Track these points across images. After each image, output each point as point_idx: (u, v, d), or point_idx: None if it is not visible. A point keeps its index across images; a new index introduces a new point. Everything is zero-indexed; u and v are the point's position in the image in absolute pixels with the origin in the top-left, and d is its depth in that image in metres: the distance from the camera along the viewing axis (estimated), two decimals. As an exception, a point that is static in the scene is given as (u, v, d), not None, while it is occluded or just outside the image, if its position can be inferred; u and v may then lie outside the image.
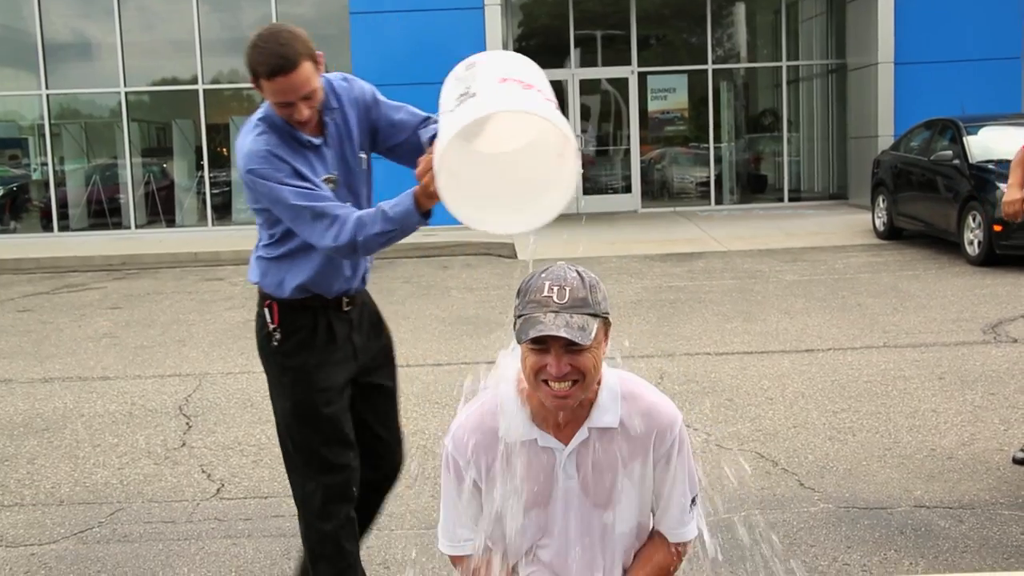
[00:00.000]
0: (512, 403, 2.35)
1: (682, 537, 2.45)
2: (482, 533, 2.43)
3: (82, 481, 5.42)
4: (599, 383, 2.33)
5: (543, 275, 2.23)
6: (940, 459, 5.23)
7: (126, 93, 18.01)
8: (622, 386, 2.37)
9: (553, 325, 2.15)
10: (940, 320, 8.55)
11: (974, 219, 11.34)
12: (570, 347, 2.19)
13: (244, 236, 16.64)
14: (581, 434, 2.32)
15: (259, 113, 3.07)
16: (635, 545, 2.44)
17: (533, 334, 2.16)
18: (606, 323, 2.27)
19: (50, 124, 18.13)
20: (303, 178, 2.97)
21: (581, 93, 18.93)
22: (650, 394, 2.40)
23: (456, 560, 2.48)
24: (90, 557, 4.42)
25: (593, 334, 2.19)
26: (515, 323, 2.23)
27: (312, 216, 2.90)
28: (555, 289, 2.19)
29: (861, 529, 4.39)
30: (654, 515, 2.44)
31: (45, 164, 18.33)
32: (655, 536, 2.46)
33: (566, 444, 2.33)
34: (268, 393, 3.40)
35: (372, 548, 4.40)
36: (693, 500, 2.45)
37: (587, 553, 2.39)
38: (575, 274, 2.23)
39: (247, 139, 3.01)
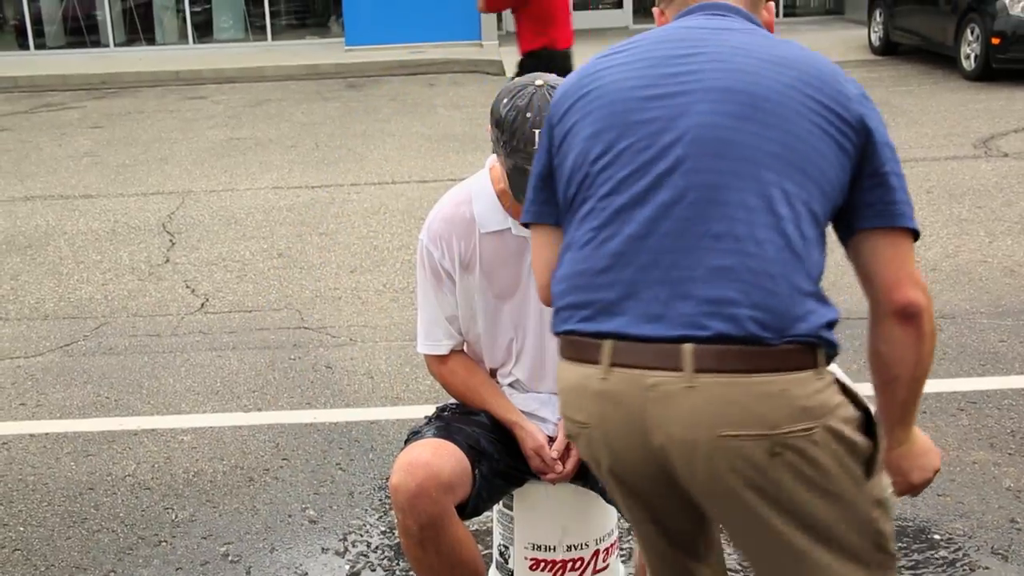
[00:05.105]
0: (485, 192, 2.29)
1: None
2: (457, 334, 2.42)
3: (66, 296, 5.41)
4: None
5: (528, 118, 2.06)
6: (924, 270, 5.24)
7: (97, -98, 17.19)
8: None
9: None
10: (931, 135, 8.44)
11: (972, 32, 11.06)
12: None
13: (227, 55, 16.25)
14: None
15: None
16: None
17: None
18: None
19: (19, -64, 17.37)
20: None
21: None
22: None
23: (434, 361, 2.46)
24: (76, 368, 4.45)
25: None
26: (504, 160, 2.12)
27: None
28: None
29: (843, 339, 4.42)
30: None
31: (17, -21, 17.65)
32: None
33: None
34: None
35: (356, 360, 4.43)
36: None
37: None
38: None
39: None
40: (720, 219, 1.51)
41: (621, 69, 1.67)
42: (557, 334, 1.65)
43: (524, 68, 6.81)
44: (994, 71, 10.69)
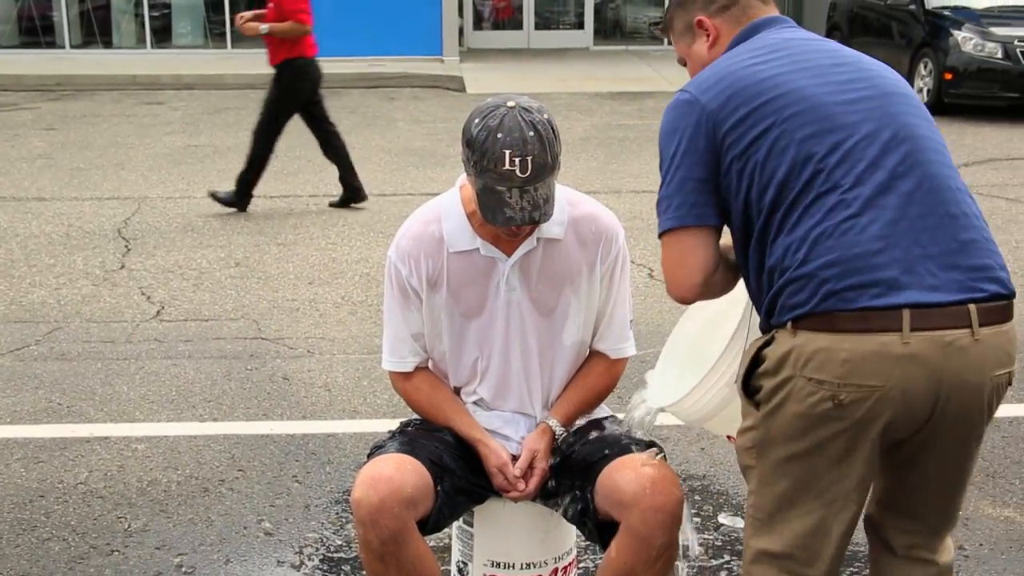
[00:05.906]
0: (455, 211, 2.31)
1: (622, 353, 2.46)
2: (423, 351, 2.42)
3: (17, 300, 5.33)
4: None
5: (499, 138, 2.07)
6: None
7: (57, -98, 17.00)
8: (565, 194, 2.34)
9: (521, 210, 2.10)
10: (885, 166, 8.58)
11: (925, 67, 11.28)
12: None
13: (186, 61, 16.13)
14: (527, 244, 2.29)
15: None
16: (576, 363, 2.44)
17: (503, 222, 2.12)
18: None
19: (-24, -67, 17.15)
20: None
21: (536, -78, 18.26)
22: (592, 203, 2.40)
23: (398, 378, 2.47)
24: (27, 373, 4.38)
25: (555, 190, 2.18)
26: (473, 180, 2.14)
27: None
28: (517, 161, 2.06)
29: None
30: (595, 334, 2.44)
31: (-28, -24, 17.41)
32: (592, 357, 2.47)
33: (510, 255, 2.30)
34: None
35: (313, 372, 4.42)
36: (630, 321, 2.47)
37: (527, 369, 2.40)
38: (532, 133, 2.08)
39: None
40: (951, 202, 1.85)
41: (795, 77, 1.89)
42: (847, 311, 1.79)
43: (282, 78, 7.09)
44: (946, 105, 10.91)
